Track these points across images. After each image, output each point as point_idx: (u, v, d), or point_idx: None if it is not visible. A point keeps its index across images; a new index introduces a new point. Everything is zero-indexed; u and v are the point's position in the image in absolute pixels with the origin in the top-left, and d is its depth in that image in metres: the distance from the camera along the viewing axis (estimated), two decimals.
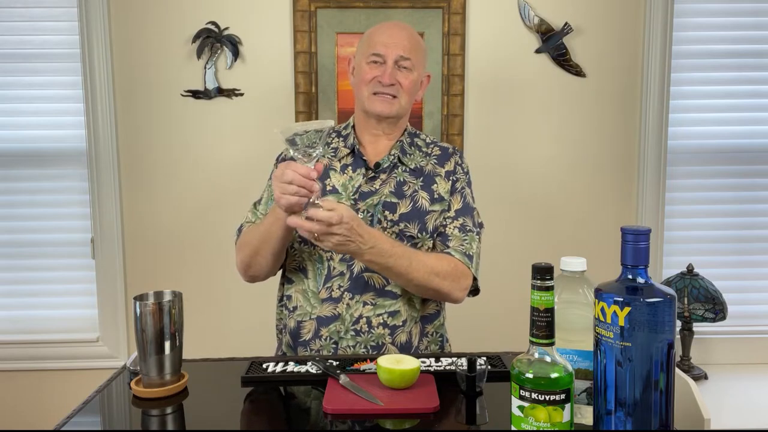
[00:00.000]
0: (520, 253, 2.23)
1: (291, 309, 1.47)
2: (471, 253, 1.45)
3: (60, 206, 2.27)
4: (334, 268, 1.44)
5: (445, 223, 1.47)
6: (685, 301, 2.09)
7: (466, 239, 1.46)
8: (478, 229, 1.50)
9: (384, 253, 1.33)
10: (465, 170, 1.55)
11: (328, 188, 1.47)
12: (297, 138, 1.20)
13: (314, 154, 1.22)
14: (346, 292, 1.42)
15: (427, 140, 1.58)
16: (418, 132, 1.59)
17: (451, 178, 1.51)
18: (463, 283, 1.43)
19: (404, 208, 1.46)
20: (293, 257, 1.49)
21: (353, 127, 1.55)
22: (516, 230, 2.26)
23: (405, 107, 1.50)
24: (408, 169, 1.50)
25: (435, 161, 1.53)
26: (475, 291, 1.50)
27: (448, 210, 1.49)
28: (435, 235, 1.47)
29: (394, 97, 1.46)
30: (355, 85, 1.54)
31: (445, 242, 1.45)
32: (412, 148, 1.53)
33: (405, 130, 1.55)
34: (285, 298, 1.49)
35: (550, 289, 0.86)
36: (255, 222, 1.50)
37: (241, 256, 1.47)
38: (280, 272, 1.53)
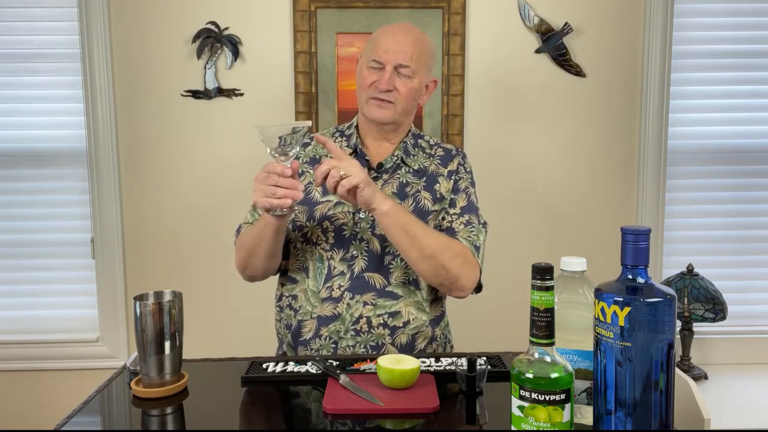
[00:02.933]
0: (520, 253, 2.23)
1: (296, 309, 1.47)
2: (478, 245, 1.45)
3: (60, 206, 2.27)
4: (335, 267, 1.44)
5: (451, 219, 1.47)
6: (685, 301, 2.09)
7: (473, 231, 1.46)
8: (483, 227, 1.50)
9: (401, 210, 1.34)
10: (468, 170, 1.55)
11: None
12: (274, 137, 1.21)
13: (291, 153, 1.24)
14: (346, 292, 1.42)
15: (431, 142, 1.58)
16: (422, 134, 1.59)
17: (453, 177, 1.51)
18: (471, 271, 1.41)
19: (406, 208, 1.45)
20: (296, 257, 1.49)
21: (356, 126, 1.55)
22: (516, 230, 2.26)
23: (402, 114, 1.48)
24: (411, 170, 1.50)
25: (438, 162, 1.53)
26: (478, 288, 1.49)
27: (453, 207, 1.48)
28: (440, 231, 1.47)
29: (391, 103, 1.45)
30: (356, 88, 1.54)
31: (452, 235, 1.45)
32: (416, 149, 1.53)
33: (409, 131, 1.55)
34: (290, 298, 1.49)
35: (550, 289, 0.86)
36: (252, 223, 1.50)
37: (238, 257, 1.48)
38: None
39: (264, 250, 1.39)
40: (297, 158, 1.26)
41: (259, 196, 1.26)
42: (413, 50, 1.45)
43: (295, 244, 1.49)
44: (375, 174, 1.48)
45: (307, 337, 1.43)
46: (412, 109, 1.52)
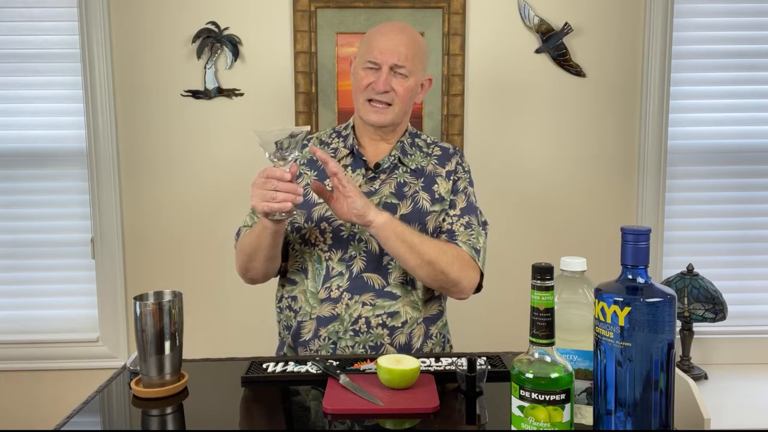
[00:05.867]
0: (520, 252, 2.23)
1: (296, 310, 1.47)
2: (478, 247, 1.45)
3: (60, 206, 2.27)
4: (333, 268, 1.44)
5: (451, 221, 1.47)
6: (685, 301, 2.09)
7: (472, 234, 1.46)
8: (483, 228, 1.50)
9: (396, 221, 1.35)
10: (466, 169, 1.55)
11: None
12: (272, 142, 1.22)
13: (289, 158, 1.24)
14: (345, 293, 1.42)
15: (428, 140, 1.58)
16: (418, 132, 1.59)
17: (452, 177, 1.51)
18: (471, 274, 1.42)
19: (405, 208, 1.45)
20: (295, 258, 1.49)
21: (353, 127, 1.55)
22: (516, 230, 2.26)
23: (400, 114, 1.48)
24: (409, 170, 1.50)
25: (436, 161, 1.53)
26: (478, 287, 1.49)
27: (453, 208, 1.48)
28: (439, 234, 1.47)
29: (389, 104, 1.45)
30: (352, 89, 1.54)
31: (452, 238, 1.45)
32: (413, 148, 1.53)
33: (406, 130, 1.55)
34: (290, 299, 1.49)
35: (550, 289, 0.86)
36: (252, 226, 1.50)
37: (239, 261, 1.48)
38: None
39: (263, 254, 1.40)
40: (295, 161, 1.26)
41: (258, 200, 1.26)
42: (408, 50, 1.45)
43: (293, 246, 1.49)
44: (372, 174, 1.48)
45: (307, 338, 1.43)
46: (409, 108, 1.52)
